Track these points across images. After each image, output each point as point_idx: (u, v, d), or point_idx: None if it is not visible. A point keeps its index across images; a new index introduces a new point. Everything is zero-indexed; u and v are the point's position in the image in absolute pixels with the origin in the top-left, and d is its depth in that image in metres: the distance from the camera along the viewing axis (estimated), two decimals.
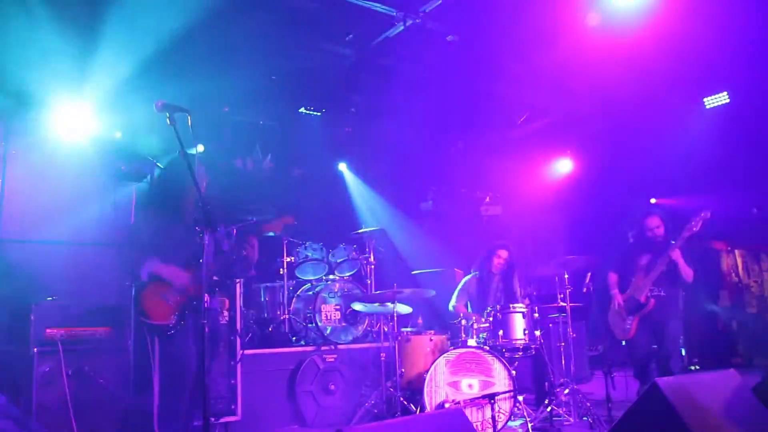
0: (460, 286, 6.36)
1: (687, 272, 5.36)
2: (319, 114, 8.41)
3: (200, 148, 6.66)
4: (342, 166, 9.57)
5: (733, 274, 10.02)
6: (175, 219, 3.73)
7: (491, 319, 5.43)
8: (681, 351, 5.72)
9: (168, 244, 3.64)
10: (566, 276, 5.54)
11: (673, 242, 5.38)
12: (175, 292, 3.70)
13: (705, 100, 8.18)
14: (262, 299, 7.09)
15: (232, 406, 5.27)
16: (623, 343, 5.63)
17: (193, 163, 2.81)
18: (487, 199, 10.20)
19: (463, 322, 5.65)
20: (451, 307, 6.17)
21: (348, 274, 7.17)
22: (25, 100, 5.19)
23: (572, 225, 9.78)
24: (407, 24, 6.48)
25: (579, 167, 9.73)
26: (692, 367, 8.12)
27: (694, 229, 5.28)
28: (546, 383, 5.52)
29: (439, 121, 9.04)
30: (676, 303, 5.52)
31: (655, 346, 5.45)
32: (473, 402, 4.78)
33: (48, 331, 4.62)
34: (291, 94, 7.98)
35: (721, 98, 8.04)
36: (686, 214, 5.41)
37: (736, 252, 10.17)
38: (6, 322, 4.79)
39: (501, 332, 5.32)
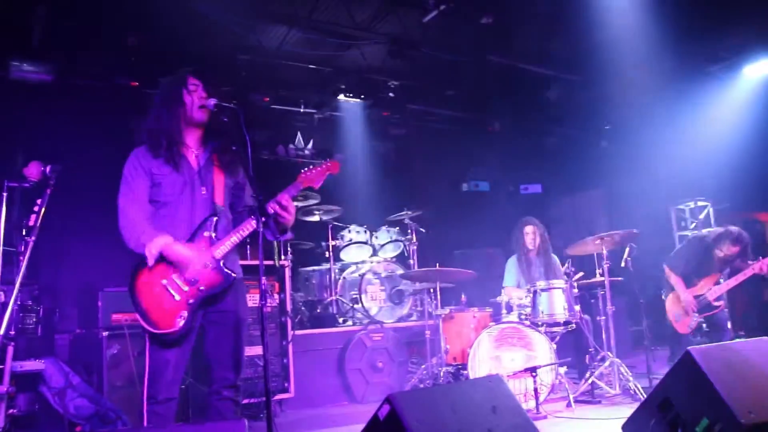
0: (507, 269, 6.45)
1: None
2: (358, 100, 8.57)
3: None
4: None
5: None
6: None
7: (531, 295, 5.57)
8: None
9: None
10: (604, 251, 5.63)
11: (762, 258, 5.59)
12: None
13: None
14: (310, 282, 7.37)
15: (286, 384, 5.56)
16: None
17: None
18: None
19: (504, 298, 5.81)
20: (504, 293, 6.13)
21: (391, 255, 7.38)
22: None
23: (611, 201, 9.78)
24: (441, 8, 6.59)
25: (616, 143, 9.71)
26: (738, 339, 8.09)
27: None
28: (587, 357, 5.65)
29: (475, 103, 9.12)
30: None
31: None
32: (516, 375, 4.95)
33: (114, 316, 4.97)
34: (331, 81, 8.20)
35: None
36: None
37: None
38: (78, 308, 5.17)
39: (541, 308, 5.45)
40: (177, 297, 2.97)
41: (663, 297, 6.12)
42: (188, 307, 2.97)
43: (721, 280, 5.87)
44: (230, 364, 3.12)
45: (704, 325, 5.79)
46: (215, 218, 3.12)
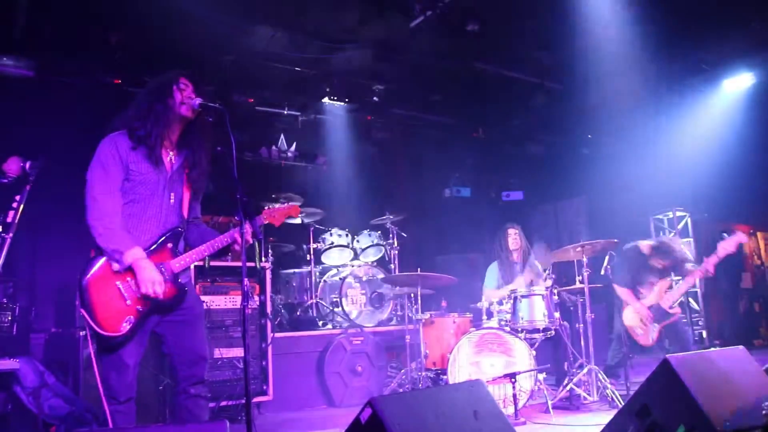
0: (488, 273, 6.44)
1: None
2: (342, 104, 8.58)
3: None
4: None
5: (755, 257, 10.06)
6: None
7: (511, 301, 5.59)
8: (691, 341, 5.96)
9: None
10: (584, 259, 5.67)
11: (706, 258, 5.57)
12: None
13: None
14: (290, 285, 7.34)
15: (264, 387, 5.52)
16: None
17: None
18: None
19: (485, 304, 5.83)
20: (484, 297, 6.16)
21: (372, 259, 7.38)
22: None
23: (592, 209, 9.87)
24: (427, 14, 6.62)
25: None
26: (713, 349, 8.20)
27: (729, 250, 5.51)
28: (565, 363, 5.68)
29: (459, 109, 9.16)
30: None
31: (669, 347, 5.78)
32: (495, 380, 4.96)
33: None
34: (315, 83, 8.19)
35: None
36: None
37: (759, 235, 10.20)
38: (55, 307, 5.09)
39: (521, 314, 5.48)
40: (128, 301, 2.92)
41: (614, 319, 6.10)
42: (137, 313, 2.94)
43: (674, 286, 5.83)
44: (194, 360, 3.10)
45: (666, 342, 5.74)
46: (181, 230, 3.15)
